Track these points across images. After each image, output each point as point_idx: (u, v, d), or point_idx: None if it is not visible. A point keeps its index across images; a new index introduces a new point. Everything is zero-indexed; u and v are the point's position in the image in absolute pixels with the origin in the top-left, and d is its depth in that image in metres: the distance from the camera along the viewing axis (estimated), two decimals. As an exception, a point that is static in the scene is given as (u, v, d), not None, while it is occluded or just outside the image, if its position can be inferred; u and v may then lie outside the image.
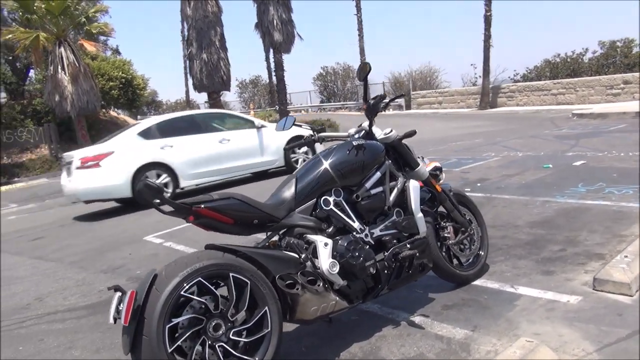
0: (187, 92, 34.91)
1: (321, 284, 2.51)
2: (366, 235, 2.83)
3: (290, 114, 3.31)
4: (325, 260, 2.60)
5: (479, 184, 6.49)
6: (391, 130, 3.12)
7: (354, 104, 31.38)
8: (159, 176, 8.04)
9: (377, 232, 2.88)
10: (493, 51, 20.47)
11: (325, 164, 2.82)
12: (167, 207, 2.35)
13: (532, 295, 3.07)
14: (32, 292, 4.63)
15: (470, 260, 3.48)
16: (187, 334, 2.24)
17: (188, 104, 41.31)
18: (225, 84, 22.01)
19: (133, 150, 8.11)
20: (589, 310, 2.80)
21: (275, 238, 2.70)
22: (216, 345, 2.28)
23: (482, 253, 3.51)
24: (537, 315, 2.81)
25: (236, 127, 9.23)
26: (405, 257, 2.84)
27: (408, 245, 2.92)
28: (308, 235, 2.67)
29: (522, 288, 3.19)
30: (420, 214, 3.03)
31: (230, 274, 2.35)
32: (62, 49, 17.52)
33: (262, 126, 9.08)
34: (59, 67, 17.47)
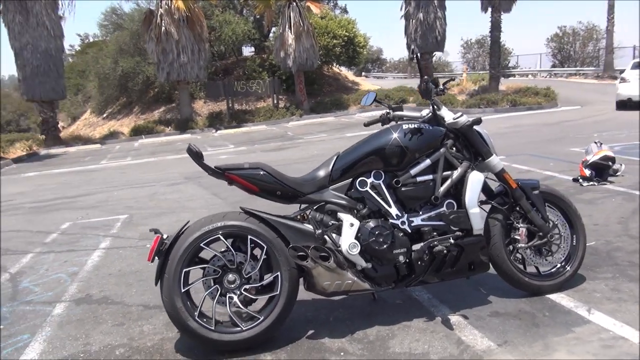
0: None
1: (332, 261, 2.58)
2: (402, 223, 2.75)
3: (372, 90, 3.26)
4: (346, 240, 2.66)
5: (662, 183, 5.28)
6: (461, 115, 2.88)
7: (592, 71, 27.23)
8: None
9: (417, 221, 2.77)
10: None
11: (378, 143, 2.80)
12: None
13: (602, 325, 2.58)
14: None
15: (551, 271, 3.04)
16: (203, 279, 2.62)
17: (410, 62, 41.52)
18: (439, 44, 21.43)
19: None
20: (656, 360, 2.25)
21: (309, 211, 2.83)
22: (227, 295, 2.61)
23: (569, 268, 3.02)
24: (584, 349, 2.39)
25: None
26: (440, 251, 2.68)
27: (451, 241, 2.74)
28: (339, 213, 2.74)
29: (599, 314, 2.69)
30: (476, 210, 2.79)
31: (249, 236, 2.62)
32: (290, 9, 19.39)
33: None
34: (287, 26, 19.43)
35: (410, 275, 2.78)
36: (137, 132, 18.96)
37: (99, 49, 27.02)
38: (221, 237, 2.60)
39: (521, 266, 3.01)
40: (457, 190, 2.85)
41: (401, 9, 21.69)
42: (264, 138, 15.18)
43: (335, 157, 2.84)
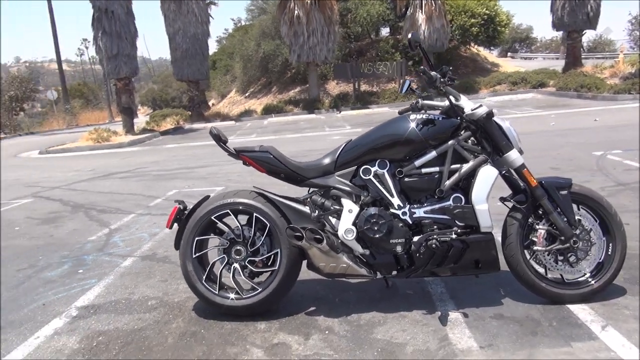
0: (563, 29, 31.71)
1: (325, 244, 2.69)
2: (403, 214, 2.75)
3: (407, 78, 3.23)
4: (343, 225, 2.75)
5: None
6: (480, 106, 2.75)
7: None
8: None
9: (419, 213, 2.74)
10: None
11: (371, 135, 2.85)
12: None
13: (608, 345, 2.33)
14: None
15: (577, 279, 2.78)
16: (212, 248, 2.93)
17: (563, 41, 37.63)
18: (590, 21, 19.23)
19: None
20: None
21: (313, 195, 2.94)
22: (232, 265, 2.88)
23: (597, 278, 2.73)
24: (570, 365, 2.20)
25: None
26: (431, 245, 2.63)
27: (453, 236, 2.67)
28: (342, 199, 2.83)
29: (613, 332, 2.43)
30: (484, 206, 2.66)
31: (254, 214, 2.85)
32: (424, -12, 18.88)
33: None
34: (418, 7, 18.98)
35: (410, 266, 2.77)
36: (267, 111, 20.25)
37: (245, 33, 29.14)
38: (230, 212, 2.87)
39: (542, 270, 2.80)
40: (470, 184, 2.75)
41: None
42: (383, 120, 15.15)
43: (344, 144, 2.91)
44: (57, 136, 21.50)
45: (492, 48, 28.40)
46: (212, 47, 32.79)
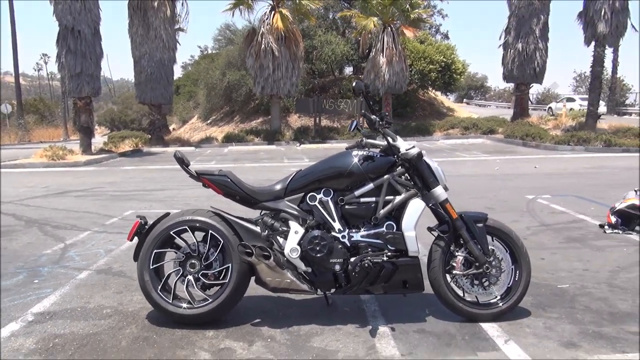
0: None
1: (272, 260, 3.02)
2: (343, 237, 3.12)
3: (355, 118, 3.67)
4: (289, 245, 3.09)
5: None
6: (412, 147, 3.19)
7: None
8: None
9: (356, 237, 3.12)
10: None
11: (316, 166, 3.25)
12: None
13: (507, 355, 2.73)
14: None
15: (489, 301, 3.21)
16: (169, 261, 3.20)
17: (514, 92, 40.04)
18: (537, 76, 20.76)
19: None
20: (530, 389, 2.40)
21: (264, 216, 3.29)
22: (186, 277, 3.15)
23: (506, 301, 3.17)
24: (473, 370, 2.59)
25: None
26: (364, 265, 3.01)
27: (384, 258, 3.05)
28: (290, 221, 3.18)
29: (513, 346, 2.84)
30: (412, 233, 3.07)
31: (210, 231, 3.15)
32: (384, 34, 19.93)
33: None
34: (379, 50, 19.98)
35: (347, 284, 3.12)
36: (228, 139, 20.53)
37: (211, 61, 29.58)
38: (188, 229, 3.16)
39: (460, 292, 3.22)
40: (401, 214, 3.15)
41: (500, 38, 21.32)
42: (340, 155, 15.71)
43: (294, 173, 3.29)
44: (8, 151, 20.95)
45: (448, 93, 29.88)
46: (177, 72, 33.05)
